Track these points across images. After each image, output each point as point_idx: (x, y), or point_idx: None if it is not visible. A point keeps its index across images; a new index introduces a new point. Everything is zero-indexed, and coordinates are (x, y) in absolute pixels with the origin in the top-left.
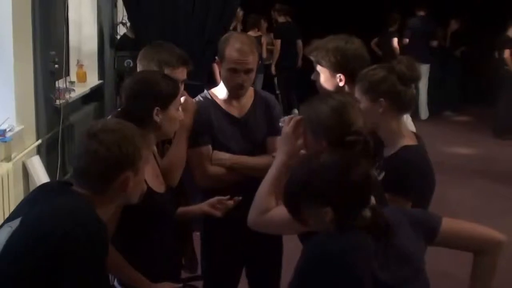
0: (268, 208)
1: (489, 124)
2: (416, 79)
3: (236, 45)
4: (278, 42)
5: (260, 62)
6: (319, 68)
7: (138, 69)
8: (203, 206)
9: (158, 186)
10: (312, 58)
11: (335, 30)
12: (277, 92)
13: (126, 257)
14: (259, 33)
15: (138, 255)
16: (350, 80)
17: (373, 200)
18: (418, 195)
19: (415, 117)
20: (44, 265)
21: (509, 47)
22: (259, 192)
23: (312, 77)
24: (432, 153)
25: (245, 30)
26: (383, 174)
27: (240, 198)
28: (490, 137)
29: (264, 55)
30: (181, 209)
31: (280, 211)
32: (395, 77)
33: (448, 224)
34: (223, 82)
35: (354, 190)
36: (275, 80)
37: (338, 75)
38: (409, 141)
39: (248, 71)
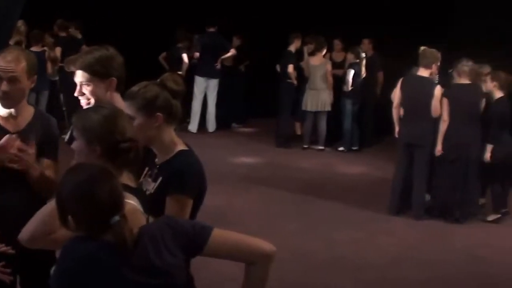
0: (52, 230)
1: (272, 134)
2: (183, 93)
3: (2, 54)
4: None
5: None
6: (87, 78)
7: None
8: None
9: None
10: (79, 69)
11: (121, 44)
12: (64, 108)
13: None
14: (44, 48)
15: None
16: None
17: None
18: (198, 193)
19: (203, 129)
20: None
21: (292, 62)
22: (42, 212)
23: (77, 93)
24: (219, 164)
25: (29, 45)
26: (160, 180)
27: None
28: (273, 146)
29: (49, 70)
30: None
31: (66, 233)
32: (167, 93)
33: (218, 235)
34: None
35: (93, 209)
36: (61, 96)
37: (107, 81)
38: (183, 146)
39: (12, 80)
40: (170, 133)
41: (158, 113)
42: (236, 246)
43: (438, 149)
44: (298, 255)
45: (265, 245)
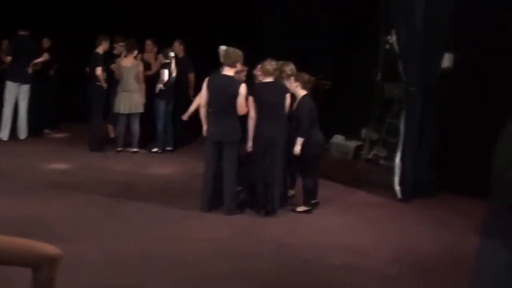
0: None
1: (85, 139)
2: None
3: None
4: None
5: None
6: None
7: None
8: None
9: None
10: None
11: None
12: None
13: None
14: None
15: None
16: None
17: None
18: None
19: (14, 137)
20: None
21: (100, 64)
22: None
23: None
24: (32, 171)
25: None
26: None
27: None
28: (86, 151)
29: None
30: None
31: None
32: None
33: (0, 241)
34: None
35: None
36: None
37: None
38: None
39: None
40: None
41: None
42: (20, 251)
43: (249, 145)
44: (111, 257)
45: (50, 249)
